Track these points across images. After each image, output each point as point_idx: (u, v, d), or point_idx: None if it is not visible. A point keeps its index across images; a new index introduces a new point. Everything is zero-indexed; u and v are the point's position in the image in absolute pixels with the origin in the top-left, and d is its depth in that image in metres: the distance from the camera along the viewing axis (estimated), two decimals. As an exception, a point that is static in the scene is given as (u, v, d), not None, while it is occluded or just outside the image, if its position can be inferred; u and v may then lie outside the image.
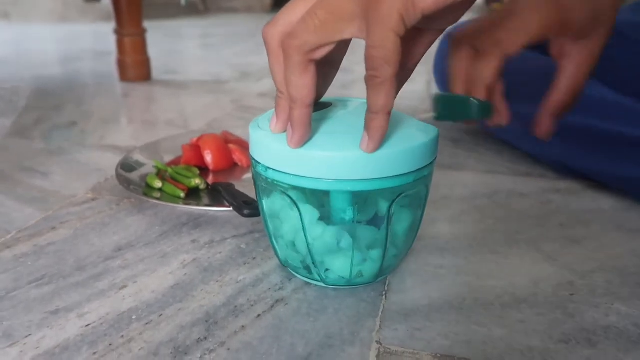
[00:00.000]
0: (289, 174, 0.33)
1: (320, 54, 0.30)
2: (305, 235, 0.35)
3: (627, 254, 0.45)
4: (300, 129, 0.32)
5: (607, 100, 0.62)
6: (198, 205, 0.52)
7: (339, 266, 0.36)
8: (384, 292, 0.39)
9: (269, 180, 0.35)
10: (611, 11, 0.40)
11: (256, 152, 0.35)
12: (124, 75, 1.22)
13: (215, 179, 0.61)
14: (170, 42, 2.06)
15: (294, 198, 0.35)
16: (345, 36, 0.30)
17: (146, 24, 1.24)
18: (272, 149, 0.34)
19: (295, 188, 0.34)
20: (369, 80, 0.30)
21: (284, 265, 0.40)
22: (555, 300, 0.38)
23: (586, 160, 0.62)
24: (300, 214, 0.35)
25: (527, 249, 0.45)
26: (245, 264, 0.43)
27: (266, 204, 0.37)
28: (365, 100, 0.38)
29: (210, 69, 1.45)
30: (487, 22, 0.40)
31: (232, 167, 0.63)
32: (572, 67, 0.41)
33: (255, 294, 0.39)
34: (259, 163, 0.35)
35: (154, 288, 0.39)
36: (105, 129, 0.82)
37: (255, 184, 0.38)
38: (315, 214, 0.35)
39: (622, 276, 0.41)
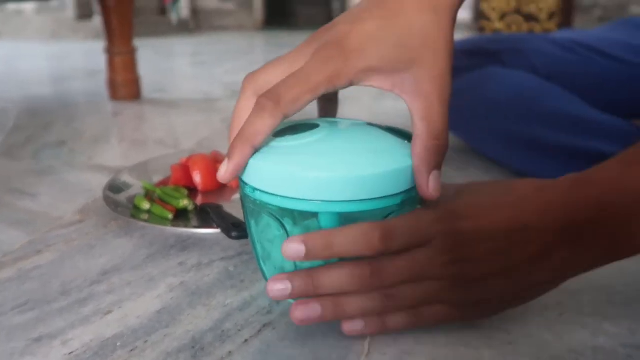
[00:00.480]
0: (277, 195, 0.33)
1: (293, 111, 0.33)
2: None
3: (615, 273, 0.45)
4: (238, 160, 0.33)
5: (596, 121, 0.62)
6: (186, 226, 0.52)
7: None
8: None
9: (257, 201, 0.35)
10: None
11: (243, 173, 0.35)
12: (114, 94, 1.22)
13: (205, 200, 0.60)
14: (161, 60, 2.07)
15: (282, 220, 0.34)
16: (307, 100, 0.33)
17: (137, 42, 1.25)
18: (259, 170, 0.34)
19: (283, 210, 0.34)
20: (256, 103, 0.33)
21: None
22: (543, 321, 0.38)
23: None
24: (288, 236, 0.35)
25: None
26: (233, 287, 0.42)
27: (254, 226, 0.37)
28: (355, 121, 0.39)
29: (201, 87, 1.46)
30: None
31: (221, 187, 0.63)
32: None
33: (243, 317, 0.38)
34: (247, 184, 0.35)
35: (140, 313, 0.39)
36: (95, 149, 0.82)
37: (243, 205, 0.38)
38: None
39: (610, 295, 0.41)
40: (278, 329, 0.37)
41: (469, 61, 0.75)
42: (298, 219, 0.34)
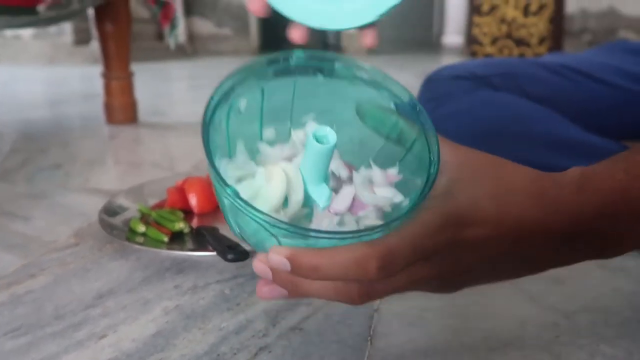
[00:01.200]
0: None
1: None
2: None
3: (610, 293, 0.45)
4: None
5: (589, 143, 0.63)
6: (182, 249, 0.51)
7: None
8: (369, 337, 0.38)
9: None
10: None
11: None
12: (110, 118, 1.22)
13: (201, 222, 0.60)
14: (158, 84, 2.09)
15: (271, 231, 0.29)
16: None
17: (134, 66, 1.26)
18: None
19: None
20: None
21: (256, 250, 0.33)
22: (541, 343, 0.38)
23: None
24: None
25: (512, 289, 0.45)
26: (228, 309, 0.42)
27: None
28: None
29: (197, 110, 1.46)
30: None
31: (217, 209, 0.63)
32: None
33: (239, 341, 0.38)
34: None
35: (135, 336, 0.38)
36: (90, 172, 0.82)
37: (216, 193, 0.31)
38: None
39: (605, 316, 0.41)
40: (274, 352, 0.36)
41: (459, 85, 0.76)
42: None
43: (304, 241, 0.27)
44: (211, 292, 0.45)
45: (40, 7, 0.98)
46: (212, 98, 0.29)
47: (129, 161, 0.90)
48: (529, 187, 0.31)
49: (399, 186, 0.30)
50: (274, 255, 0.27)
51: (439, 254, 0.29)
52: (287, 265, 0.27)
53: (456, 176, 0.30)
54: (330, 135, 0.28)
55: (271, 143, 0.31)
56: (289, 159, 0.30)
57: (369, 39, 0.32)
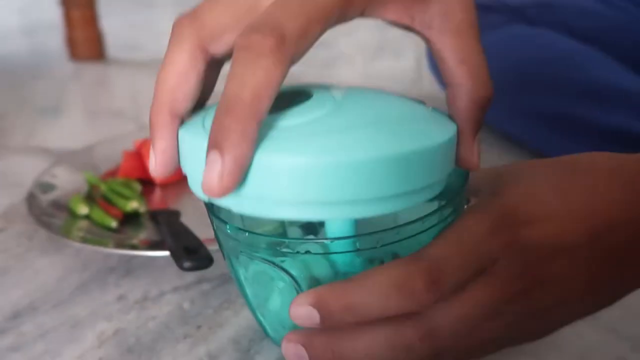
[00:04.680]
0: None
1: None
2: None
3: (618, 313, 0.34)
4: (241, 150, 0.19)
5: (634, 91, 0.51)
6: (132, 242, 0.40)
7: None
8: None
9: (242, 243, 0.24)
10: None
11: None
12: (73, 53, 1.06)
13: (163, 197, 0.49)
14: (138, 10, 1.88)
15: (289, 269, 0.24)
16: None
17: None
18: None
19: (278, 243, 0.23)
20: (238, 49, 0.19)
21: (276, 344, 0.29)
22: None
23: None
24: (300, 286, 0.24)
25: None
26: (185, 337, 0.32)
27: (242, 272, 0.26)
28: (355, 87, 0.26)
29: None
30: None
31: (183, 180, 0.51)
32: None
33: (196, 392, 0.28)
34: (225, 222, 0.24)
35: (52, 386, 0.28)
36: (37, 124, 0.69)
37: (221, 248, 0.26)
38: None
39: (617, 340, 0.31)
40: (242, 415, 0.26)
41: (487, 18, 0.62)
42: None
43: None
44: (165, 307, 0.34)
45: None
46: None
47: (87, 109, 0.77)
48: (601, 168, 0.25)
49: None
50: (297, 308, 0.21)
51: (499, 263, 0.22)
52: (316, 317, 0.21)
53: (502, 172, 0.25)
54: None
55: None
56: None
57: None
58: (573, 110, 0.53)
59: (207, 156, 0.19)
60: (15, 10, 1.81)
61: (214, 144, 0.19)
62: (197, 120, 0.22)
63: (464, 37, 0.23)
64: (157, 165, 0.23)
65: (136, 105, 0.78)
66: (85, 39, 1.06)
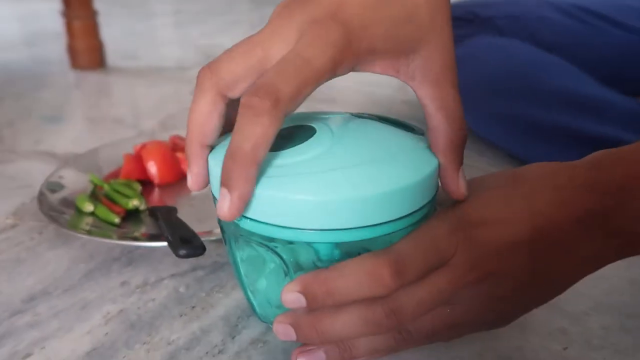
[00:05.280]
0: (274, 225, 0.26)
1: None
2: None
3: (627, 289, 0.39)
4: (245, 188, 0.25)
5: (609, 102, 0.55)
6: (134, 234, 0.44)
7: None
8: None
9: (244, 230, 0.28)
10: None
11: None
12: (75, 62, 1.11)
13: (161, 196, 0.53)
14: (136, 21, 1.93)
15: (281, 253, 0.28)
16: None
17: None
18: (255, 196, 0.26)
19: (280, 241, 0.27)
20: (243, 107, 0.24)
21: (262, 320, 0.34)
22: (546, 357, 0.32)
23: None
24: (288, 268, 0.29)
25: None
26: (181, 315, 0.36)
27: (239, 254, 0.30)
28: (350, 114, 0.31)
29: (173, 52, 1.35)
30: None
31: (180, 180, 0.56)
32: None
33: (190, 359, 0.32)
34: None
35: (66, 355, 0.32)
36: (44, 131, 0.73)
37: (223, 234, 0.31)
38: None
39: (621, 318, 0.35)
40: (229, 377, 0.31)
41: (459, 30, 0.67)
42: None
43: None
44: (163, 291, 0.39)
45: None
46: None
47: (89, 116, 0.81)
48: (536, 177, 0.29)
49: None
50: (287, 294, 0.25)
51: (455, 257, 0.27)
52: (303, 300, 0.25)
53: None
54: None
55: None
56: None
57: None
58: (541, 115, 0.57)
59: (219, 191, 0.25)
60: (18, 21, 1.86)
61: (224, 182, 0.25)
62: (222, 149, 0.27)
63: (442, 87, 0.27)
64: (192, 184, 0.29)
65: (135, 112, 0.83)
66: (86, 49, 1.10)
